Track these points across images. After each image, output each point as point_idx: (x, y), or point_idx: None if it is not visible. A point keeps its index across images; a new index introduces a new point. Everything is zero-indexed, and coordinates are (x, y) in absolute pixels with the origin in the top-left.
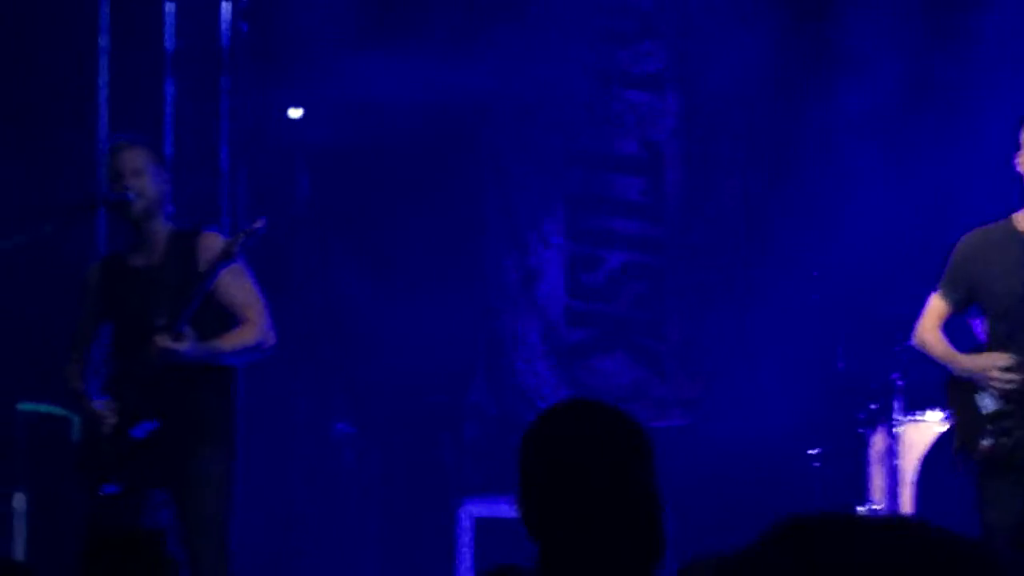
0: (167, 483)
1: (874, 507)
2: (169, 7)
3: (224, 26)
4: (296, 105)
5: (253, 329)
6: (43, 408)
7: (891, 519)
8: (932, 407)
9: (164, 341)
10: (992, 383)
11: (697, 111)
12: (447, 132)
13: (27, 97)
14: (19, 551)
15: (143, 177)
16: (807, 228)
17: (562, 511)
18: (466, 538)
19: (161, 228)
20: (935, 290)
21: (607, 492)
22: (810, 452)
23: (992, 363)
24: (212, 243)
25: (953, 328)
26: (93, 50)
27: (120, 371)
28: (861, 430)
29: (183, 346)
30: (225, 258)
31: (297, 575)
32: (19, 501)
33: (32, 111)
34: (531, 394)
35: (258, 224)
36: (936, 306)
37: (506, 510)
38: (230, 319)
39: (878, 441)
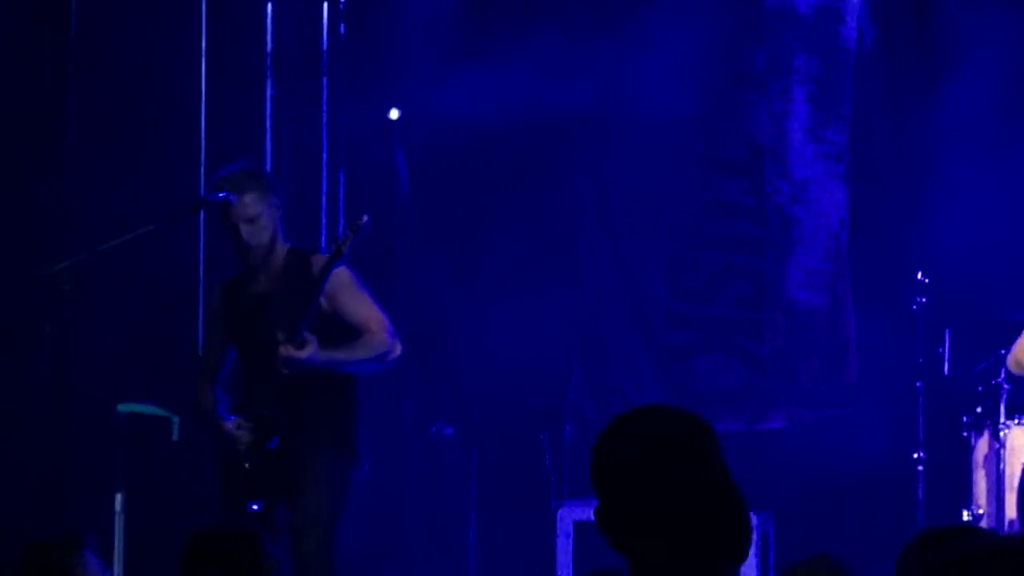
0: (288, 486)
1: (978, 511)
2: (269, 9)
3: (324, 28)
4: (395, 107)
5: (374, 340)
6: (143, 409)
7: None
8: None
9: (288, 349)
10: None
11: (798, 111)
12: (545, 134)
13: (129, 99)
14: (118, 551)
15: (258, 223)
16: (913, 230)
17: (638, 519)
18: (565, 541)
19: (278, 251)
20: None
21: (681, 494)
22: (914, 456)
23: None
24: (314, 263)
25: None
26: (194, 52)
27: (249, 391)
28: (966, 434)
29: (306, 352)
30: (336, 257)
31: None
32: (119, 501)
33: (134, 112)
34: (630, 396)
35: (363, 220)
36: None
37: None
38: (352, 334)
39: (983, 445)
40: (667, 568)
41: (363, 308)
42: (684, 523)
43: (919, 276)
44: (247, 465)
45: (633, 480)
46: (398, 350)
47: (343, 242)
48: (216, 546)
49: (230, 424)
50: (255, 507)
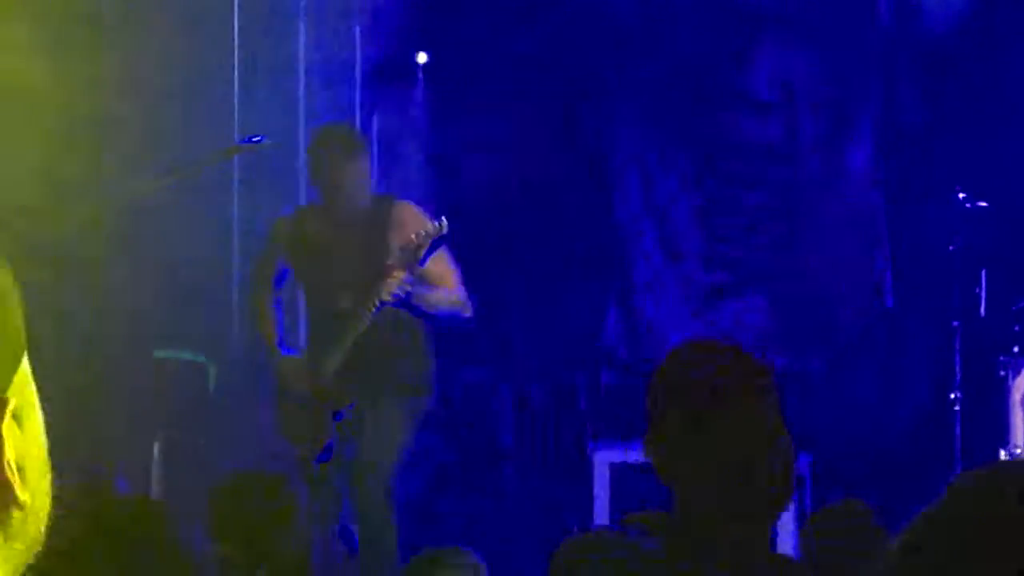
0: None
1: (1015, 451)
2: None
3: None
4: (425, 51)
5: (454, 293)
6: (178, 355)
7: None
8: None
9: (397, 275)
10: None
11: (832, 55)
12: (578, 79)
13: (162, 44)
14: (156, 498)
15: (365, 188)
16: (953, 170)
17: (691, 453)
18: (602, 484)
19: (366, 199)
20: None
21: (735, 433)
22: (951, 396)
23: None
24: (405, 217)
25: None
26: None
27: (315, 331)
28: (1003, 373)
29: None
30: (412, 261)
31: (434, 520)
32: (157, 449)
33: (167, 58)
34: (665, 338)
35: (443, 228)
36: None
37: (641, 456)
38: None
39: (1020, 384)
40: (714, 505)
41: (442, 265)
42: (739, 462)
43: (956, 217)
44: (314, 420)
45: (687, 416)
46: (469, 309)
47: (418, 248)
48: (240, 485)
49: (288, 364)
50: (323, 458)
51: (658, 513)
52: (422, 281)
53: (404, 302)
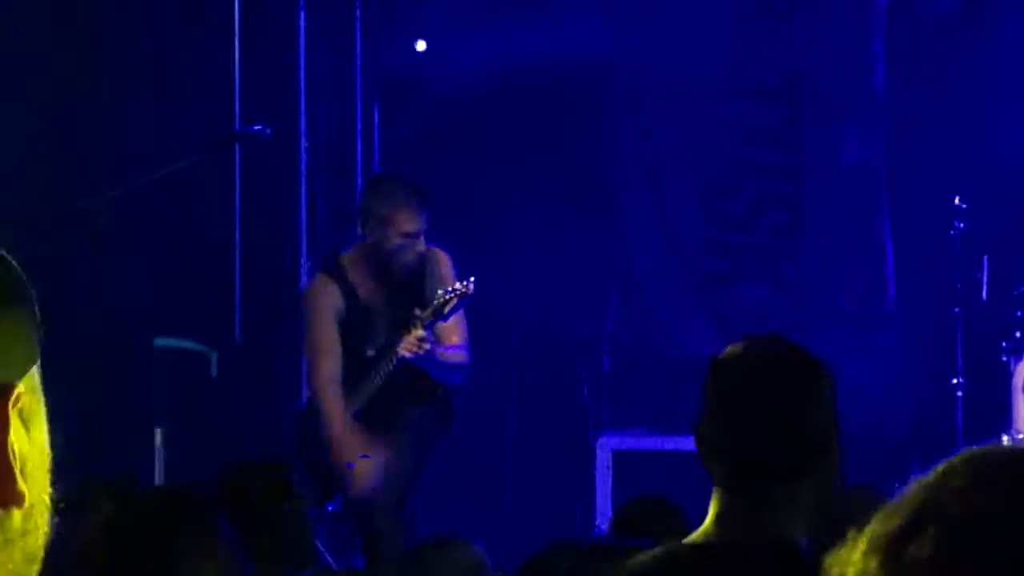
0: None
1: (1018, 436)
2: None
3: None
4: (427, 40)
5: (462, 352)
6: (180, 343)
7: None
8: None
9: (417, 333)
10: None
11: (833, 38)
12: (580, 67)
13: (164, 32)
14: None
15: (420, 239)
16: (952, 156)
17: (728, 444)
18: (604, 470)
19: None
20: None
21: (774, 427)
22: (953, 382)
23: None
24: (443, 271)
25: None
26: None
27: (348, 388)
28: (1005, 359)
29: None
30: (438, 316)
31: (437, 506)
32: (159, 436)
33: (169, 46)
34: (668, 326)
35: (469, 289)
36: None
37: (644, 442)
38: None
39: (1022, 370)
40: (752, 493)
41: (456, 321)
42: (784, 456)
43: (956, 201)
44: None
45: (746, 405)
46: (469, 370)
47: (446, 304)
48: (247, 474)
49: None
50: (332, 507)
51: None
52: (436, 337)
53: (414, 360)
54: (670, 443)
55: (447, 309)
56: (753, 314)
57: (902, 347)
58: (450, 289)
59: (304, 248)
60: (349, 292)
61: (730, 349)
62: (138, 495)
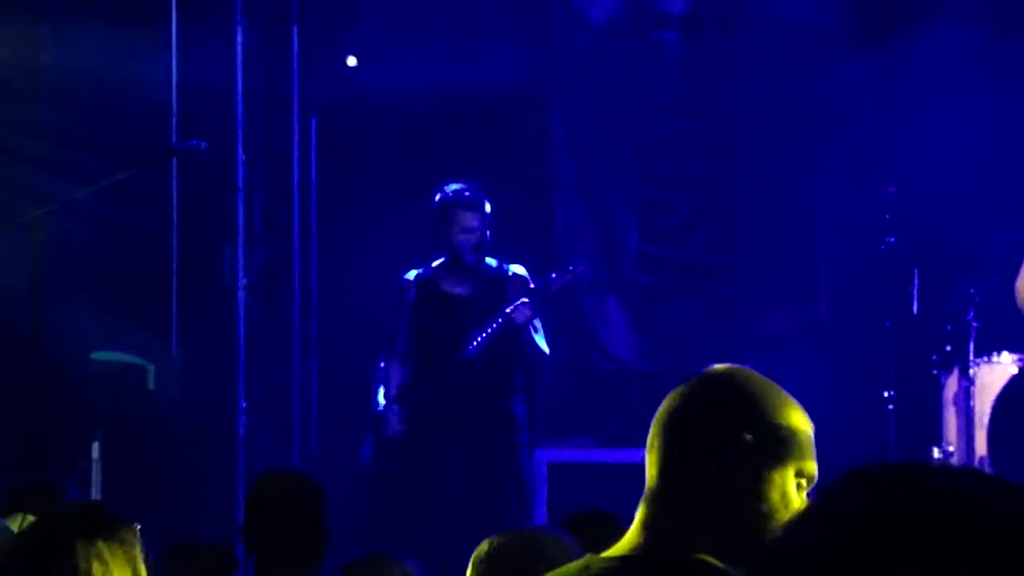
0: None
1: (948, 449)
2: None
3: None
4: (362, 55)
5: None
6: (118, 357)
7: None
8: (1006, 349)
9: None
10: None
11: (761, 51)
12: (515, 83)
13: (100, 46)
14: (95, 498)
15: (476, 233)
16: (883, 170)
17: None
18: (541, 483)
19: (475, 265)
20: None
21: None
22: (885, 395)
23: None
24: (520, 284)
25: None
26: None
27: (420, 384)
28: (935, 372)
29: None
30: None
31: (374, 521)
32: (96, 449)
33: (105, 60)
34: (603, 339)
35: (577, 268)
36: None
37: (579, 455)
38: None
39: (952, 384)
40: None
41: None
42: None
43: (887, 217)
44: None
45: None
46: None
47: (549, 285)
48: (275, 480)
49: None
50: None
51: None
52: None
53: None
54: (605, 455)
55: (548, 292)
56: (686, 328)
57: (834, 360)
58: (556, 276)
59: (241, 262)
60: (433, 289)
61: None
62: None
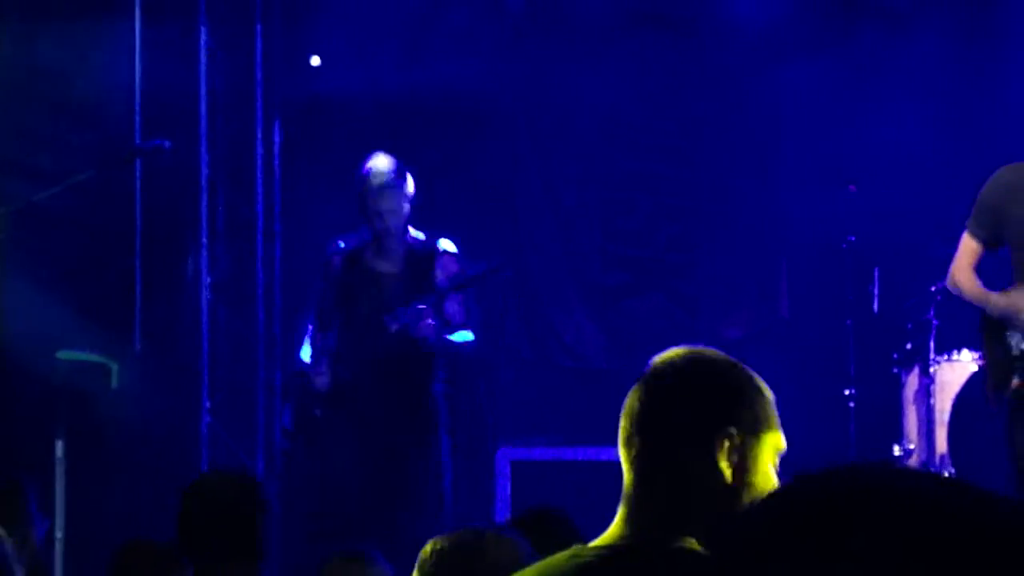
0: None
1: (909, 447)
2: None
3: None
4: (326, 55)
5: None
6: (82, 356)
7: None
8: (967, 347)
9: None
10: (1021, 320)
11: (722, 51)
12: (481, 85)
13: (62, 45)
14: (59, 498)
15: (397, 214)
16: (844, 168)
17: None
18: (503, 481)
19: (401, 241)
20: (965, 228)
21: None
22: (845, 393)
23: (1022, 303)
24: (448, 263)
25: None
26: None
27: (343, 355)
28: (896, 370)
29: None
30: (458, 290)
31: (337, 519)
32: (59, 448)
33: (67, 59)
34: (566, 338)
35: (497, 267)
36: (967, 246)
37: (542, 453)
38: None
39: (913, 381)
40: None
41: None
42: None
43: (847, 215)
44: (317, 412)
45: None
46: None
47: (466, 283)
48: (210, 485)
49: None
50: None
51: (556, 509)
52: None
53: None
54: (568, 453)
55: (465, 286)
56: (649, 326)
57: (795, 358)
58: (484, 270)
59: (205, 261)
60: (358, 264)
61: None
62: None
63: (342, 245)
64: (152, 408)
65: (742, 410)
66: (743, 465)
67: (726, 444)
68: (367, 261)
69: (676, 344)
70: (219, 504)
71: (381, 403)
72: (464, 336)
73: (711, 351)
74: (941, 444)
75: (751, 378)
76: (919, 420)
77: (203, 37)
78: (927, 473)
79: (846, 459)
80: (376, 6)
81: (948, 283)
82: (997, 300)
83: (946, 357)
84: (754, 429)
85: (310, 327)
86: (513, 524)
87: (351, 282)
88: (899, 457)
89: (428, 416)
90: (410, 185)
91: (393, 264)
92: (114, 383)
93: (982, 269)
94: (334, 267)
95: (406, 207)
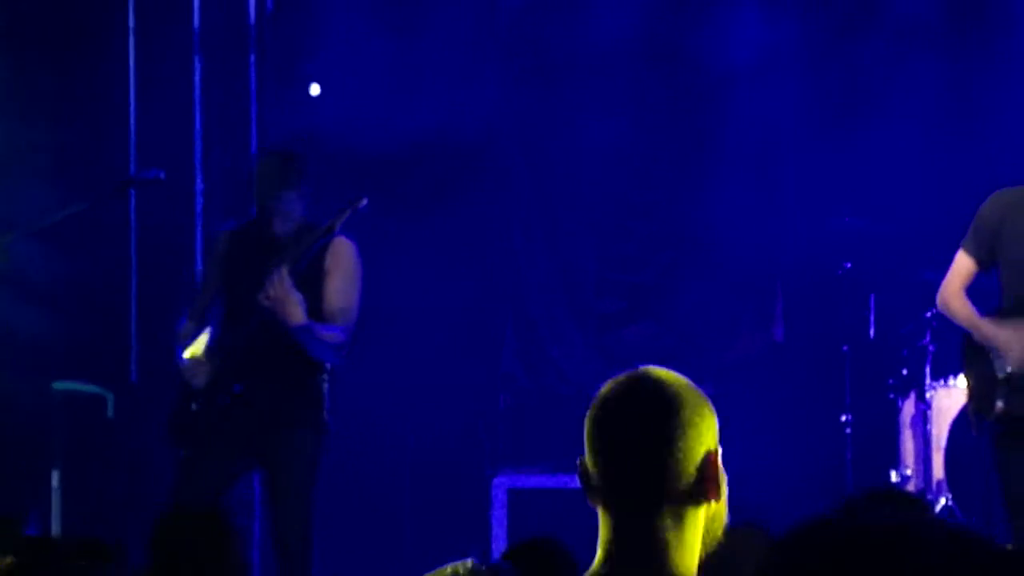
0: (257, 455)
1: (906, 472)
2: None
3: (251, 4)
4: (322, 83)
5: (341, 335)
6: (78, 386)
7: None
8: (962, 373)
9: (281, 283)
10: (1009, 357)
11: (717, 78)
12: (475, 111)
13: (58, 75)
14: (55, 527)
15: (286, 204)
16: (840, 195)
17: (623, 481)
18: (500, 509)
19: (292, 222)
20: (960, 248)
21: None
22: (842, 419)
23: (1012, 342)
24: (341, 250)
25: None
26: (122, 30)
27: (223, 337)
28: (892, 396)
29: (294, 302)
30: (328, 232)
31: (334, 544)
32: (56, 478)
33: (63, 91)
34: (562, 366)
35: (361, 202)
36: (961, 265)
37: (539, 481)
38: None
39: (909, 407)
40: (634, 519)
41: (348, 301)
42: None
43: (843, 242)
44: (193, 406)
45: (618, 436)
46: (344, 353)
47: (336, 220)
48: (182, 519)
49: (183, 363)
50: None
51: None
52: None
53: (298, 332)
54: (565, 481)
55: (336, 225)
56: (644, 352)
57: (791, 384)
58: (342, 207)
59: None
60: (243, 241)
61: (608, 384)
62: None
63: (225, 229)
64: (147, 438)
65: (713, 432)
66: (719, 491)
67: (707, 476)
68: (251, 235)
69: (671, 369)
70: (184, 541)
71: (252, 394)
72: (331, 334)
73: (677, 377)
74: (938, 470)
75: (700, 394)
76: (916, 446)
77: (197, 68)
78: (928, 527)
79: (843, 486)
80: (372, 36)
81: (938, 301)
82: (987, 330)
83: (942, 383)
84: (716, 444)
85: (184, 321)
86: (509, 555)
87: (235, 257)
88: (896, 483)
89: (299, 404)
90: (299, 176)
91: (280, 230)
92: (110, 413)
93: (973, 288)
94: (219, 248)
95: (300, 200)
